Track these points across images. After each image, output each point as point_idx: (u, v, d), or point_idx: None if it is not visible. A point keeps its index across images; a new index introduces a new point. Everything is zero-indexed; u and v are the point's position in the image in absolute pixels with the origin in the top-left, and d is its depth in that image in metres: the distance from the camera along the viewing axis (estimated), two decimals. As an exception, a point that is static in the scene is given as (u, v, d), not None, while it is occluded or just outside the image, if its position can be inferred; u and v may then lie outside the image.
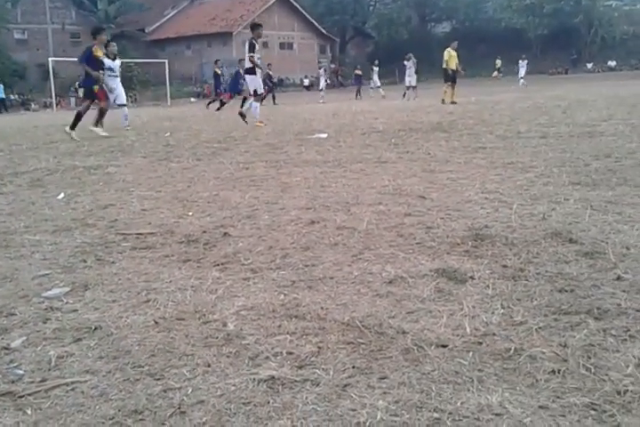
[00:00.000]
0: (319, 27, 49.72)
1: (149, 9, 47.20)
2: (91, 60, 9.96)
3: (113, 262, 2.92)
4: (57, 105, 31.78)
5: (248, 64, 11.01)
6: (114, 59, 11.45)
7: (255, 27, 11.18)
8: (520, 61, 31.95)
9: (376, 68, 26.69)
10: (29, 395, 1.70)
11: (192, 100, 37.31)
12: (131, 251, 3.11)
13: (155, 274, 2.71)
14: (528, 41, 48.51)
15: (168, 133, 10.28)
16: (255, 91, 11.19)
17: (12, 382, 1.78)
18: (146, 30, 47.78)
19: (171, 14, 49.84)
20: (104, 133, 10.24)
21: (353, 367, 1.77)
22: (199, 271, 2.73)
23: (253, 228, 3.45)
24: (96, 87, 10.36)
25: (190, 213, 3.91)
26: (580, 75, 43.01)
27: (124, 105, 11.89)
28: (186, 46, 46.93)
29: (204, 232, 3.39)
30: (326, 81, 27.33)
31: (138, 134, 10.52)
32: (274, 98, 24.19)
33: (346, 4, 53.07)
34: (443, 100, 16.04)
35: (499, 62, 43.04)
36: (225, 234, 3.33)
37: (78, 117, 10.06)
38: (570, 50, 47.58)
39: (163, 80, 33.75)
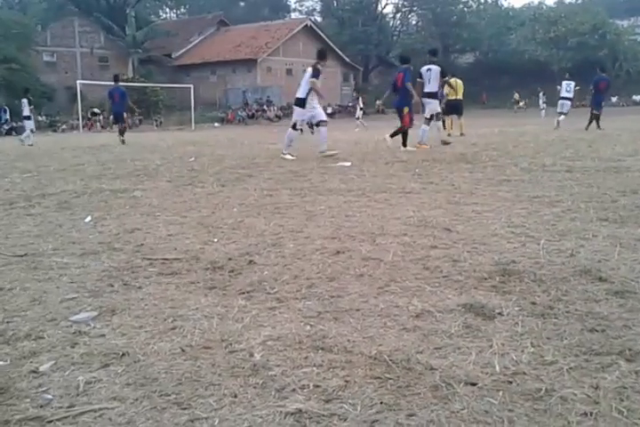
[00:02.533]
0: (343, 55, 50.29)
1: (176, 35, 48.13)
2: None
3: (139, 288, 2.94)
4: (84, 127, 32.31)
5: (301, 94, 10.03)
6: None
7: (323, 54, 10.71)
8: (540, 94, 32.35)
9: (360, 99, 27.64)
10: (58, 420, 1.71)
11: (216, 124, 37.77)
12: (157, 276, 3.13)
13: (181, 300, 2.72)
14: (551, 74, 48.60)
15: (192, 158, 10.39)
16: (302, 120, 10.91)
17: (41, 406, 1.79)
18: (172, 55, 48.65)
19: (197, 40, 50.76)
20: (413, 149, 10.54)
21: (381, 403, 1.75)
22: (225, 299, 2.73)
23: (278, 256, 3.46)
24: (406, 109, 10.61)
25: (215, 240, 3.93)
26: (605, 108, 42.87)
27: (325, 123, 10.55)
28: (211, 72, 47.65)
29: (230, 259, 3.41)
30: (362, 109, 26.08)
31: (163, 158, 10.65)
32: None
33: (370, 34, 53.76)
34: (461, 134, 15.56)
35: (516, 96, 43.23)
36: (250, 262, 3.34)
37: (405, 135, 10.71)
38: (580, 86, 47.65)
39: (188, 105, 34.23)
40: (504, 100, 44.82)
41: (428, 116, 11.44)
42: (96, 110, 33.83)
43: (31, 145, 17.57)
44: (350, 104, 43.48)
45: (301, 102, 10.06)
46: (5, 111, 30.44)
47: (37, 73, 37.91)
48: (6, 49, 32.51)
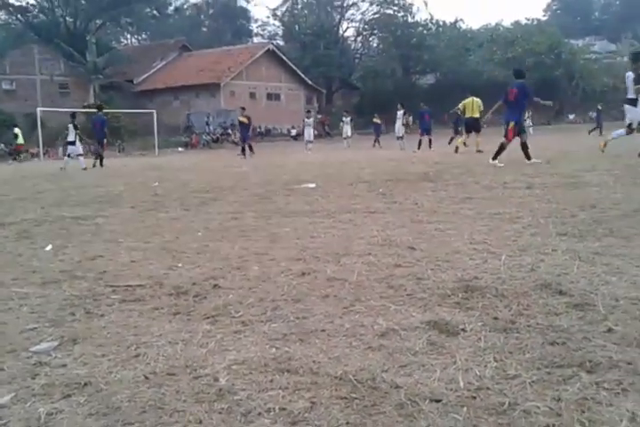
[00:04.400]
0: (306, 78, 50.73)
1: (138, 60, 48.02)
2: None
3: (102, 315, 2.90)
4: (44, 155, 31.85)
5: (631, 95, 10.83)
6: None
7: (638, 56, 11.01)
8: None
9: (346, 119, 28.25)
10: (17, 455, 1.67)
11: (180, 149, 37.61)
12: (120, 303, 3.08)
13: (144, 327, 2.69)
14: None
15: (156, 183, 10.33)
16: (630, 124, 11.15)
17: (-1, 441, 1.75)
18: (134, 81, 48.47)
19: (159, 66, 50.69)
20: (501, 165, 10.44)
21: (347, 423, 1.75)
22: (189, 324, 2.71)
23: (243, 279, 3.45)
24: (512, 123, 10.76)
25: (179, 265, 3.90)
26: (563, 125, 44.00)
27: None
28: (174, 97, 47.56)
29: (194, 284, 3.38)
30: (315, 131, 26.49)
31: (126, 184, 10.56)
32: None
33: (332, 57, 54.33)
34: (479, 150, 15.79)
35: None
36: (215, 286, 3.32)
37: (502, 148, 10.85)
38: (552, 101, 48.76)
39: (151, 130, 34.07)
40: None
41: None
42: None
43: (62, 168, 17.43)
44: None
45: (633, 102, 10.81)
46: None
47: (-4, 101, 37.43)
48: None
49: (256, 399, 1.92)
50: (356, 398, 1.89)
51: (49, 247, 4.73)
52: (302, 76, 50.56)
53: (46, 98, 42.95)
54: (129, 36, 72.23)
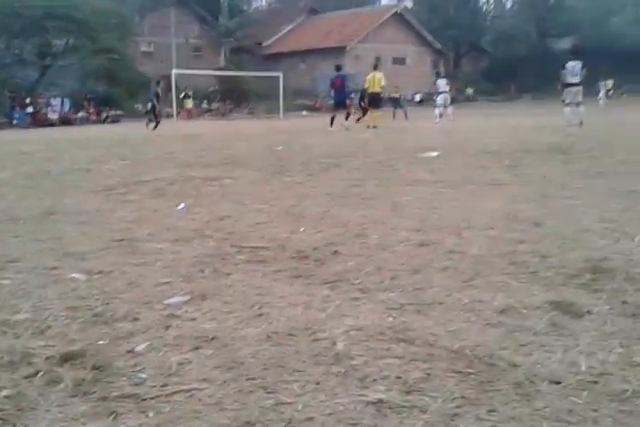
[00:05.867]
0: (433, 41, 49.38)
1: (267, 24, 48.66)
2: None
3: (228, 274, 3.05)
4: (177, 115, 33.30)
5: None
6: None
7: None
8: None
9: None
10: (152, 398, 1.82)
11: (304, 113, 38.04)
12: (245, 264, 3.23)
13: (267, 288, 2.81)
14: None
15: (280, 147, 10.55)
16: None
17: (136, 384, 1.91)
18: (263, 44, 49.27)
19: (287, 29, 51.13)
20: None
21: (462, 397, 1.76)
22: (309, 288, 2.80)
23: (363, 247, 3.49)
24: None
25: (302, 229, 4.01)
26: None
27: None
28: (300, 60, 47.94)
29: (315, 249, 3.47)
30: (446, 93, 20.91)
31: (251, 147, 10.88)
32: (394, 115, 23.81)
33: (462, 19, 52.36)
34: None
35: (609, 83, 40.94)
36: (335, 252, 3.40)
37: None
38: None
39: (277, 93, 34.63)
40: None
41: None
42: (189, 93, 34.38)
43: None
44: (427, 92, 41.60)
45: None
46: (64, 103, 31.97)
47: (135, 62, 39.31)
48: (107, 39, 33.76)
49: (372, 366, 1.97)
50: (471, 374, 1.89)
51: (181, 206, 5.00)
52: (430, 39, 49.21)
53: (181, 60, 44.65)
54: (259, -1, 73.14)
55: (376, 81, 16.65)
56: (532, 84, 46.29)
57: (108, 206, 5.14)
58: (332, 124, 15.83)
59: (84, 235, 4.02)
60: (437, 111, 19.14)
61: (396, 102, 25.08)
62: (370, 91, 16.94)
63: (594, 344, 2.08)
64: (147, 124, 19.31)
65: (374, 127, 15.71)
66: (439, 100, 19.72)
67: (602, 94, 31.82)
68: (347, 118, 16.56)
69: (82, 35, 33.10)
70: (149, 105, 19.48)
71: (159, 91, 20.00)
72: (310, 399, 1.78)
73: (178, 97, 32.76)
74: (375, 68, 17.30)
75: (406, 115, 23.39)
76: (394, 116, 23.46)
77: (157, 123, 18.65)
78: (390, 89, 21.66)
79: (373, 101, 16.96)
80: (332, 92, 16.96)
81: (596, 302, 2.46)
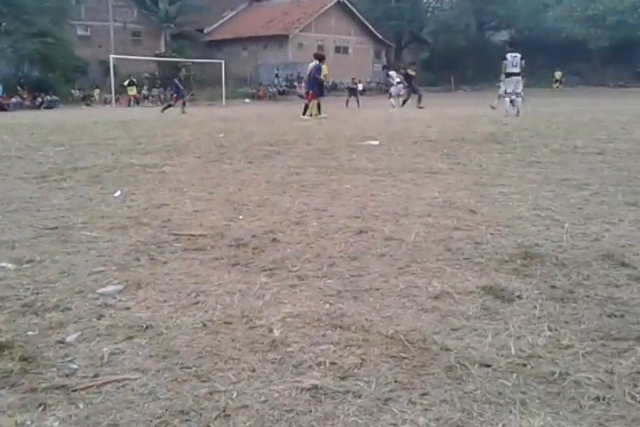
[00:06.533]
0: (375, 32, 49.66)
1: (209, 10, 47.89)
2: None
3: (165, 262, 3.00)
4: (116, 101, 32.53)
5: None
6: None
7: None
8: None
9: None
10: (82, 389, 1.77)
11: (246, 100, 37.74)
12: (182, 252, 3.19)
13: (204, 276, 2.78)
14: (589, 52, 47.42)
15: (222, 134, 10.44)
16: None
17: (66, 375, 1.86)
18: (204, 31, 48.51)
19: (229, 16, 50.47)
20: None
21: (395, 382, 1.79)
22: (247, 276, 2.78)
23: (302, 234, 3.50)
24: None
25: (241, 217, 3.98)
26: (643, 89, 41.89)
27: None
28: (242, 48, 47.45)
29: (254, 236, 3.45)
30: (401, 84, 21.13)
31: (192, 134, 10.72)
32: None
33: (403, 10, 52.77)
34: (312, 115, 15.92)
35: (558, 74, 42.22)
36: (274, 239, 3.39)
37: None
38: (633, 63, 46.26)
39: (218, 80, 34.21)
40: (538, 79, 43.93)
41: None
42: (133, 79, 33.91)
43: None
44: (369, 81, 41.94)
45: None
46: None
47: (72, 47, 38.13)
48: (41, 23, 32.60)
49: (308, 352, 1.98)
50: (405, 358, 1.92)
51: (118, 193, 4.89)
52: (372, 29, 49.47)
53: (119, 45, 43.55)
54: (201, -16, 71.83)
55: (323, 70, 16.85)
56: (471, 76, 47.18)
57: (41, 194, 4.98)
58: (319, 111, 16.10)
59: (15, 223, 3.88)
60: (392, 101, 20.29)
61: (353, 91, 26.08)
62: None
63: (523, 328, 2.14)
64: (183, 110, 20.56)
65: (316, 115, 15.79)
66: (393, 90, 20.93)
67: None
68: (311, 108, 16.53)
69: (15, 18, 31.86)
70: (174, 90, 21.37)
71: (182, 76, 22.22)
72: (245, 387, 1.77)
73: (122, 84, 32.20)
74: (319, 58, 17.38)
75: (358, 103, 24.13)
76: (347, 104, 24.04)
77: (169, 105, 21.02)
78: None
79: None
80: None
81: (527, 287, 2.53)
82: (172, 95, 21.93)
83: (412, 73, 21.34)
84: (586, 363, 1.88)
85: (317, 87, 16.30)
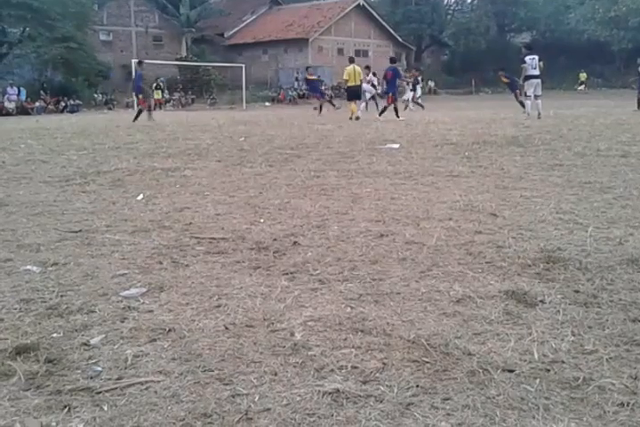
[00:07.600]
0: (395, 35, 49.55)
1: (229, 14, 48.12)
2: None
3: (187, 266, 3.03)
4: (137, 105, 32.76)
5: None
6: None
7: None
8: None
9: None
10: (106, 391, 1.80)
11: (266, 104, 37.85)
12: (204, 255, 3.21)
13: (226, 279, 2.80)
14: (611, 54, 46.90)
15: (242, 138, 10.48)
16: None
17: (91, 377, 1.88)
18: (225, 35, 48.76)
19: (249, 20, 50.65)
20: None
21: (417, 386, 1.78)
22: (269, 279, 2.79)
23: (323, 238, 3.50)
24: None
25: (262, 220, 3.99)
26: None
27: None
28: (262, 51, 47.59)
29: (275, 240, 3.47)
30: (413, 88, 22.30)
31: (213, 137, 10.77)
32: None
33: (423, 13, 52.61)
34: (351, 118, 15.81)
35: (583, 76, 41.78)
36: (295, 243, 3.40)
37: None
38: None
39: (239, 84, 34.35)
40: (560, 81, 43.52)
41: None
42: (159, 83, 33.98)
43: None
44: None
45: None
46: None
47: (94, 52, 38.54)
48: (64, 28, 32.96)
49: (329, 356, 1.98)
50: (427, 363, 1.92)
51: (140, 197, 4.93)
52: (392, 32, 49.37)
53: (141, 50, 43.91)
54: (221, -12, 72.25)
55: (357, 74, 16.76)
56: (492, 78, 46.87)
57: (65, 197, 5.04)
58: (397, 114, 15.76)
59: (40, 226, 3.94)
60: (411, 105, 20.89)
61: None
62: (352, 84, 16.89)
63: (546, 333, 2.12)
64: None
65: (357, 119, 15.64)
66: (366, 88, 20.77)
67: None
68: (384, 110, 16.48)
69: (38, 23, 32.28)
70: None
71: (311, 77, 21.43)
72: (267, 390, 1.78)
73: (150, 87, 32.39)
74: (352, 61, 17.42)
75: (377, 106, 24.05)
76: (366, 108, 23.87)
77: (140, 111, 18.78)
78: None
79: (353, 94, 16.98)
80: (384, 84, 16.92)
81: (550, 292, 2.51)
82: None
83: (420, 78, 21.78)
84: (610, 368, 1.86)
85: (396, 90, 16.05)
